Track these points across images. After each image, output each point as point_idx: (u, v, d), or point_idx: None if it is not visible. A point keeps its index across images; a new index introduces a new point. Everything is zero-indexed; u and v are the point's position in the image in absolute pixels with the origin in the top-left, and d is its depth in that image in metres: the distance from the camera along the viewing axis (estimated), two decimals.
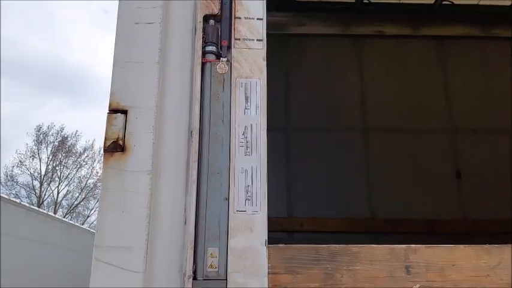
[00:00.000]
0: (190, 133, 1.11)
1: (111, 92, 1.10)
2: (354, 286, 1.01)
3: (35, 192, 25.30)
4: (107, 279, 0.98)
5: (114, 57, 1.12)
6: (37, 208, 14.64)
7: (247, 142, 1.10)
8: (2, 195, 10.60)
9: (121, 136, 1.06)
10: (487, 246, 1.04)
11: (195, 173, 1.07)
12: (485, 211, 3.56)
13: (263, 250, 1.03)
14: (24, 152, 25.65)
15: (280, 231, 3.47)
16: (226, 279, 1.00)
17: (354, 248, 1.06)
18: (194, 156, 1.08)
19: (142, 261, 1.00)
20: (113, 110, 1.08)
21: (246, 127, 1.10)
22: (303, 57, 3.93)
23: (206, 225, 1.05)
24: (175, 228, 1.05)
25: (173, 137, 1.10)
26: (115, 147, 1.06)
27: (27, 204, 13.48)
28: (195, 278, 1.01)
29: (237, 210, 1.06)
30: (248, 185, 1.07)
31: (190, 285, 1.00)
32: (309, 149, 3.76)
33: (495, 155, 3.76)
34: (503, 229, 3.28)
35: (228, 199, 1.07)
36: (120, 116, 1.08)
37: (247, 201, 1.06)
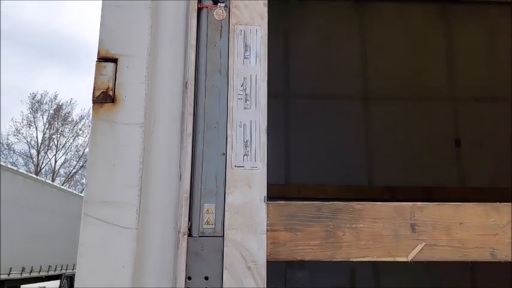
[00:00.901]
0: (185, 84, 1.04)
1: (99, 39, 1.02)
2: (356, 244, 0.97)
3: (33, 161, 25.31)
4: (97, 236, 0.93)
5: (102, 1, 1.04)
6: (35, 176, 14.65)
7: (246, 94, 1.03)
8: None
9: (111, 86, 0.99)
10: (497, 204, 0.99)
11: (190, 126, 1.01)
12: (484, 179, 3.54)
13: (262, 207, 0.98)
14: (20, 121, 25.49)
15: (277, 197, 3.44)
16: (223, 236, 0.96)
17: (356, 205, 1.01)
18: (189, 109, 1.01)
19: (135, 218, 0.95)
20: (102, 58, 1.01)
21: (245, 78, 1.03)
22: (303, 21, 3.80)
23: (202, 181, 1.00)
24: (169, 184, 1.00)
25: (167, 87, 1.03)
26: (105, 97, 0.99)
27: (25, 172, 13.48)
28: (190, 235, 0.97)
29: (235, 166, 1.00)
30: (247, 140, 1.02)
31: (185, 243, 0.95)
32: (308, 116, 3.69)
33: (495, 123, 3.71)
34: (502, 198, 3.26)
35: (225, 154, 1.01)
36: (109, 65, 1.01)
37: (245, 157, 1.01)
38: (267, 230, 0.97)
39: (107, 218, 0.94)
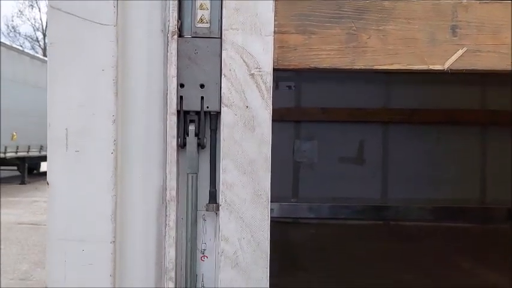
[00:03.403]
0: None
1: None
2: (383, 49, 0.80)
3: (39, 44, 24.84)
4: (68, 33, 0.77)
5: None
6: (42, 57, 14.42)
7: None
8: (5, 42, 10.31)
9: None
10: None
11: None
12: None
13: (269, 3, 0.79)
14: (22, 1, 24.47)
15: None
16: (221, 38, 0.79)
17: (387, 3, 0.82)
18: None
19: (113, 12, 0.77)
20: None
21: None
22: None
23: None
24: None
25: None
26: None
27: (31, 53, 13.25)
28: (180, 36, 0.80)
29: None
30: None
31: (175, 44, 0.79)
32: None
33: None
34: None
35: None
36: None
37: None
38: (275, 32, 0.80)
39: (79, 12, 0.77)
